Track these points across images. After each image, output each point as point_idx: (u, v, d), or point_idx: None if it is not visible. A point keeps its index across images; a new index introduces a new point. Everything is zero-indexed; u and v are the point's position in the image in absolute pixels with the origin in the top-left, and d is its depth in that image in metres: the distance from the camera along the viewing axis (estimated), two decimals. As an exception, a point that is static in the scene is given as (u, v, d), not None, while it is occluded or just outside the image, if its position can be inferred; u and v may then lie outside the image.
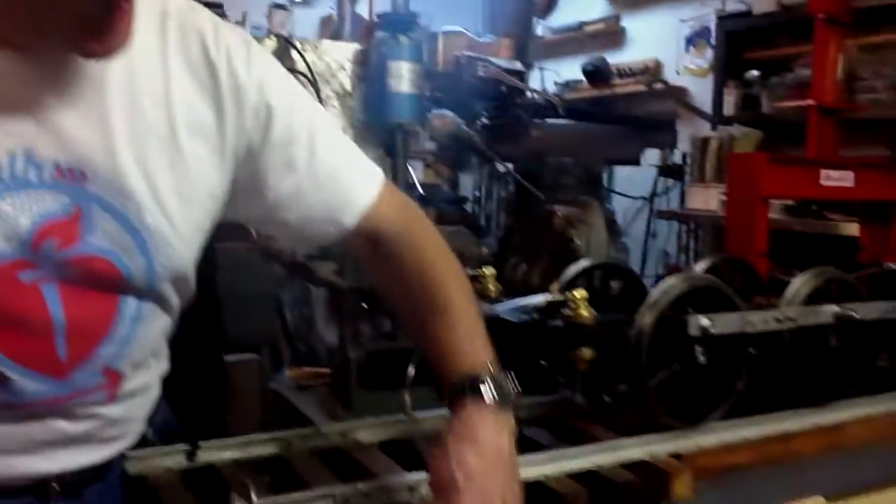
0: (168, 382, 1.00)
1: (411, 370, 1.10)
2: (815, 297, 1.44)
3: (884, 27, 3.55)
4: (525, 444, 0.95)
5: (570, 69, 5.08)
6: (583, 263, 1.50)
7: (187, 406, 1.30)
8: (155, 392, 0.96)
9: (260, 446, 1.21)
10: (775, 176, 2.31)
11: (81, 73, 0.78)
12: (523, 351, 0.97)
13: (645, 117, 4.23)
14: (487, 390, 0.92)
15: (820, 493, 1.35)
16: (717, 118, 4.37)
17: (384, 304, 1.11)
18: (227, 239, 1.82)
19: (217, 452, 1.17)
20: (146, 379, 0.92)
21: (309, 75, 2.25)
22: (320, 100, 2.25)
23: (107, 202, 0.79)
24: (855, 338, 1.48)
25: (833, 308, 1.44)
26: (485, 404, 0.92)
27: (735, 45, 4.35)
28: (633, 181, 4.37)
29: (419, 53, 2.45)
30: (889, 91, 3.52)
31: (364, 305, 2.02)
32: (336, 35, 3.21)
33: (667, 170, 4.37)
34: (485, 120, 3.20)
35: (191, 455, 1.15)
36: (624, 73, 4.95)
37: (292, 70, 2.19)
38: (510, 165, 3.31)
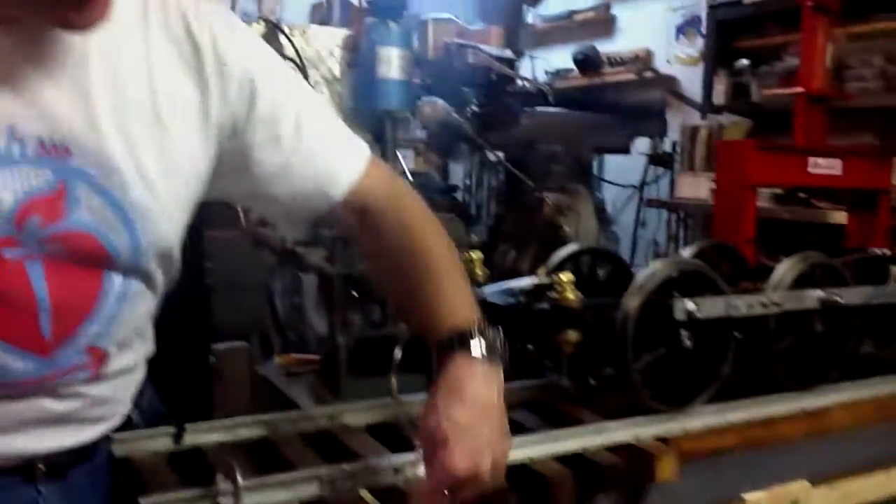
0: (157, 370, 1.00)
1: (398, 353, 1.10)
2: (800, 282, 1.45)
3: (872, 16, 3.56)
4: (511, 427, 0.95)
5: (561, 57, 5.06)
6: (570, 248, 1.50)
7: (175, 392, 1.30)
8: (140, 373, 0.96)
9: (246, 429, 1.21)
10: (763, 163, 2.32)
11: (62, 47, 0.77)
12: (510, 334, 0.98)
13: (635, 106, 4.22)
14: (476, 344, 0.93)
15: (804, 476, 1.36)
16: (707, 107, 4.37)
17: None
18: (217, 227, 1.82)
19: (203, 435, 1.17)
20: (131, 359, 0.92)
21: (298, 61, 2.24)
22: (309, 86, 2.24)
23: (91, 178, 0.78)
24: (840, 322, 1.48)
25: (818, 293, 1.45)
26: (473, 358, 0.92)
27: (725, 34, 4.35)
28: (622, 170, 4.37)
29: (409, 40, 2.45)
30: (877, 79, 3.53)
31: (354, 293, 2.02)
32: (325, 20, 3.20)
33: (656, 158, 4.36)
34: (475, 108, 3.20)
35: (177, 438, 1.15)
36: (614, 61, 4.94)
37: (280, 56, 2.18)
38: (500, 154, 3.31)
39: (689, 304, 1.28)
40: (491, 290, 1.36)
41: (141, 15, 0.83)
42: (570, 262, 1.48)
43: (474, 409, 0.89)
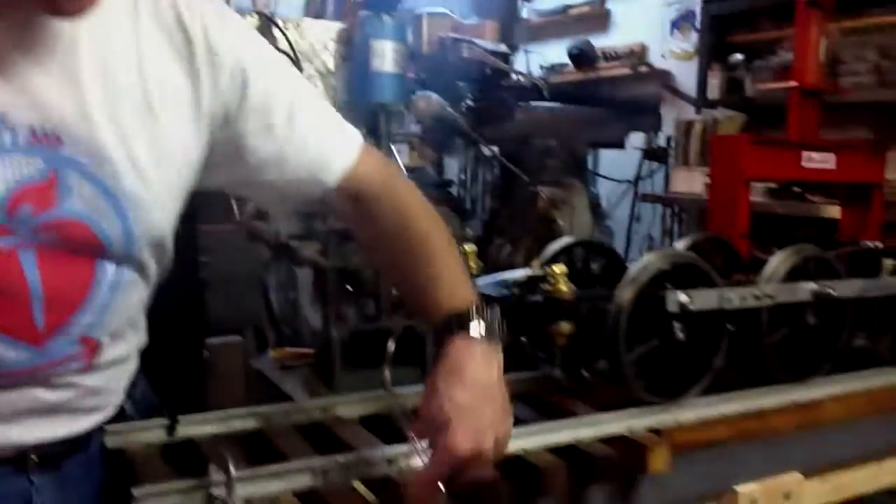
0: (151, 364, 1.00)
1: (391, 345, 1.11)
2: (793, 275, 1.45)
3: (866, 10, 3.57)
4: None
5: (556, 52, 5.06)
6: (564, 241, 1.50)
7: (168, 385, 1.30)
8: (133, 364, 0.96)
9: (240, 421, 1.21)
10: (757, 157, 2.32)
11: (51, 34, 0.77)
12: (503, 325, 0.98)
13: (630, 101, 4.23)
14: (475, 325, 0.93)
15: (797, 468, 1.36)
16: (702, 101, 4.37)
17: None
18: (212, 221, 1.82)
19: (197, 427, 1.17)
20: (124, 349, 0.92)
21: (292, 54, 2.24)
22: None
23: (83, 166, 0.78)
24: (832, 315, 1.49)
25: (811, 285, 1.45)
26: (472, 339, 0.93)
27: (719, 29, 4.36)
28: (617, 164, 4.38)
29: (403, 33, 2.46)
30: (871, 74, 3.54)
31: (348, 287, 2.03)
32: (320, 14, 3.19)
33: (651, 153, 4.38)
34: (469, 102, 3.21)
35: (170, 429, 1.15)
36: (609, 56, 4.94)
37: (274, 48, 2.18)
38: (495, 148, 3.32)
39: (682, 297, 1.29)
40: (484, 282, 1.36)
41: (131, 3, 0.83)
42: (563, 255, 1.48)
43: (475, 389, 0.90)
